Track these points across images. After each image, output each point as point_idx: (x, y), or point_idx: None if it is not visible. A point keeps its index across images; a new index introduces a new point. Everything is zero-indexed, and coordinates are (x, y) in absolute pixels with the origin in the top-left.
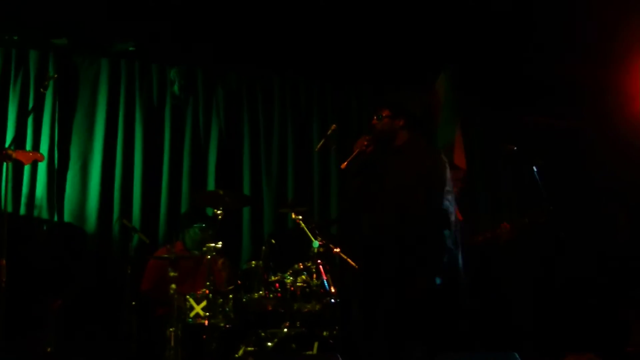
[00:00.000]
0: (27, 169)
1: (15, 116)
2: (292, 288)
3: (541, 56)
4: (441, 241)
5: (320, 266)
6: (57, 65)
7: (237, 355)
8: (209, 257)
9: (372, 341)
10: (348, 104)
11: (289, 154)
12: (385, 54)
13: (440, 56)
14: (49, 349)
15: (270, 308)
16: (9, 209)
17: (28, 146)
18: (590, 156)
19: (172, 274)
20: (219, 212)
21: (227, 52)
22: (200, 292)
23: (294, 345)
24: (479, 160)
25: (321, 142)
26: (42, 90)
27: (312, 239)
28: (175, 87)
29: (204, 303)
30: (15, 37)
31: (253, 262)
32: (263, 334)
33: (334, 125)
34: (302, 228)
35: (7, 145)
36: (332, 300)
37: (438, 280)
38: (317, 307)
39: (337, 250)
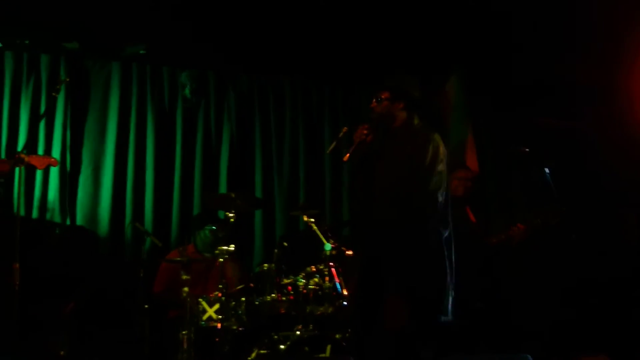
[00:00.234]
0: (39, 172)
1: (28, 120)
2: (304, 291)
3: (550, 58)
4: (423, 222)
5: (333, 269)
6: (69, 69)
7: (249, 358)
8: (221, 260)
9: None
10: (359, 106)
11: (300, 156)
12: (396, 56)
13: (450, 58)
14: (62, 352)
15: (282, 311)
16: (22, 212)
17: (40, 150)
18: (599, 157)
19: (184, 276)
20: (230, 214)
21: (238, 55)
22: (213, 295)
23: (306, 348)
24: (490, 161)
25: (333, 145)
26: (54, 94)
27: (324, 241)
28: (187, 90)
29: (216, 306)
30: (27, 41)
31: (265, 264)
32: (276, 337)
33: (346, 127)
34: (314, 230)
35: (19, 149)
36: (345, 303)
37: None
38: (330, 309)
39: (350, 252)
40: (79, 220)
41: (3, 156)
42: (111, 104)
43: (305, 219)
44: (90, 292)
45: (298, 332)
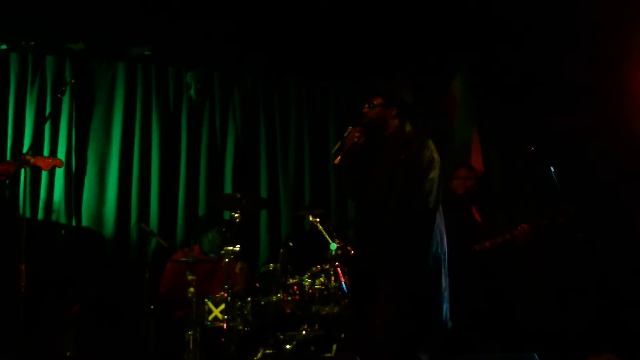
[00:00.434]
0: (45, 174)
1: (33, 121)
2: (310, 290)
3: (555, 57)
4: (416, 227)
5: (338, 268)
6: (74, 70)
7: (255, 358)
8: (227, 260)
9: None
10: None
11: (305, 156)
12: (401, 55)
13: (455, 57)
14: (68, 353)
15: (288, 311)
16: (27, 213)
17: (46, 151)
18: (605, 155)
19: (190, 277)
20: (236, 215)
21: (242, 55)
22: (219, 295)
23: (312, 348)
24: (496, 160)
25: (338, 144)
26: (59, 95)
27: (330, 241)
28: (192, 91)
29: (222, 306)
30: (32, 43)
31: (271, 264)
32: (281, 337)
33: (351, 127)
34: (320, 230)
35: (25, 150)
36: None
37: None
38: (335, 309)
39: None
40: (85, 221)
41: (9, 157)
42: (116, 105)
43: (311, 218)
44: (96, 292)
45: (304, 332)
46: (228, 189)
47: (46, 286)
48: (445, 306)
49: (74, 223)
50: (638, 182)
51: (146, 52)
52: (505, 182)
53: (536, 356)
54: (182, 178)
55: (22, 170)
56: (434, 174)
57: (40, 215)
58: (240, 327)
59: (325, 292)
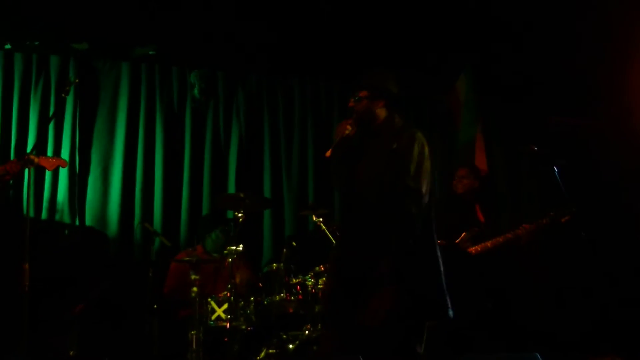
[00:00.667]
0: (48, 173)
1: (37, 121)
2: (313, 290)
3: (559, 56)
4: (408, 221)
5: None
6: (78, 69)
7: (258, 358)
8: (230, 260)
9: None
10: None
11: (309, 156)
12: (405, 54)
13: (459, 56)
14: (71, 352)
15: (291, 310)
16: (31, 213)
17: (49, 151)
18: (609, 155)
19: (193, 277)
20: (239, 214)
21: (246, 55)
22: (222, 294)
23: (315, 347)
24: (499, 160)
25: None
26: (63, 95)
27: (333, 240)
28: (196, 90)
29: (225, 306)
30: (36, 42)
31: (274, 264)
32: (284, 336)
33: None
34: (323, 230)
35: (28, 150)
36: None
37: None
38: None
39: None
40: (88, 221)
41: (12, 157)
42: (120, 105)
43: (314, 218)
44: (100, 292)
45: (307, 332)
46: (232, 188)
47: (50, 286)
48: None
49: (77, 223)
50: None
51: (150, 52)
52: (509, 182)
53: (539, 356)
54: (185, 178)
55: (26, 170)
56: (427, 164)
57: (44, 214)
58: (244, 327)
59: None
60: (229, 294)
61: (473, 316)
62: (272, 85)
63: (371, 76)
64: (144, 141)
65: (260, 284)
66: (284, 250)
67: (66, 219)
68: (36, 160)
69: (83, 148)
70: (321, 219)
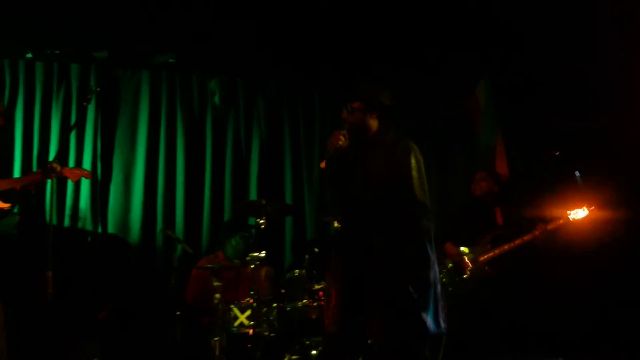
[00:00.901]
0: (71, 182)
1: (59, 129)
2: None
3: (576, 61)
4: (421, 234)
5: None
6: (99, 78)
7: None
8: (252, 266)
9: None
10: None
11: None
12: (424, 61)
13: (477, 64)
14: (95, 359)
15: (313, 316)
16: (54, 221)
17: (71, 158)
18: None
19: (215, 283)
20: (261, 221)
21: (266, 62)
22: (245, 301)
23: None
24: (520, 165)
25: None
26: (85, 104)
27: None
28: (216, 98)
29: (248, 312)
30: (57, 51)
31: (296, 270)
32: (307, 342)
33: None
34: None
35: (51, 158)
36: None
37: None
38: None
39: None
40: (111, 228)
41: (35, 164)
42: (141, 113)
43: (336, 224)
44: (122, 299)
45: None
46: (253, 195)
47: (73, 293)
48: (430, 311)
49: (100, 230)
50: None
51: (170, 60)
52: (530, 187)
53: None
54: (207, 185)
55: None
56: (424, 173)
57: (67, 222)
58: (266, 333)
59: None
60: (251, 301)
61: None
62: (292, 92)
63: (364, 87)
64: (165, 149)
65: (283, 290)
66: (306, 256)
67: (89, 226)
68: (58, 168)
69: (105, 156)
70: None
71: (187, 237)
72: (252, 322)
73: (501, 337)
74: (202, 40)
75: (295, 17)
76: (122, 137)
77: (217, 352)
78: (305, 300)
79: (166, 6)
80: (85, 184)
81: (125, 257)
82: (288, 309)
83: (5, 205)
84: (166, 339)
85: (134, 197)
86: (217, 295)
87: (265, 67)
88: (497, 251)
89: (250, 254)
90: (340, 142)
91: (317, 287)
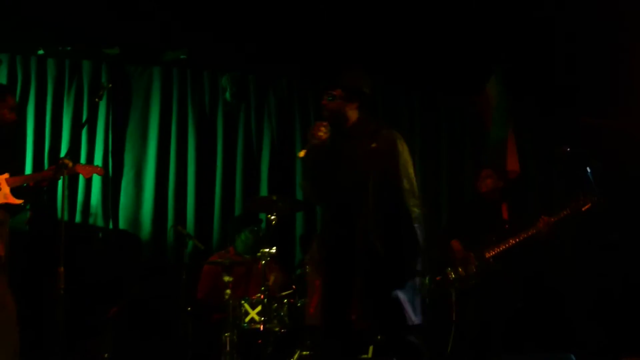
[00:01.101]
0: (82, 177)
1: (70, 126)
2: None
3: (592, 55)
4: (411, 222)
5: None
6: (110, 74)
7: None
8: (263, 262)
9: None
10: (398, 107)
11: None
12: (436, 57)
13: (489, 59)
14: (106, 355)
15: None
16: (65, 217)
17: (83, 155)
18: None
19: (226, 279)
20: (272, 217)
21: (278, 58)
22: (255, 297)
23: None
24: (532, 161)
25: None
26: (96, 100)
27: None
28: (227, 94)
29: (259, 308)
30: (68, 48)
31: (307, 266)
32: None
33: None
34: None
35: (62, 155)
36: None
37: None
38: None
39: None
40: (122, 224)
41: (46, 160)
42: (152, 109)
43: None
44: (134, 295)
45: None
46: (264, 191)
47: (84, 289)
48: (414, 301)
49: (111, 226)
50: None
51: (181, 56)
52: (541, 183)
53: (573, 357)
54: (218, 181)
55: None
56: (411, 161)
57: (78, 218)
58: (277, 329)
59: None
60: (262, 296)
61: (504, 316)
62: (303, 87)
63: (346, 76)
64: (176, 145)
65: (294, 286)
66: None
67: (100, 222)
68: (70, 165)
69: (116, 152)
70: None
71: (198, 233)
72: (263, 318)
73: (510, 332)
74: (214, 37)
75: (306, 13)
76: (133, 133)
77: (228, 348)
78: None
79: (176, 2)
80: (96, 180)
81: (136, 253)
82: (299, 304)
83: (19, 201)
84: (177, 335)
85: (145, 193)
86: (228, 291)
87: (277, 63)
88: (502, 246)
89: (261, 250)
90: (321, 134)
91: None
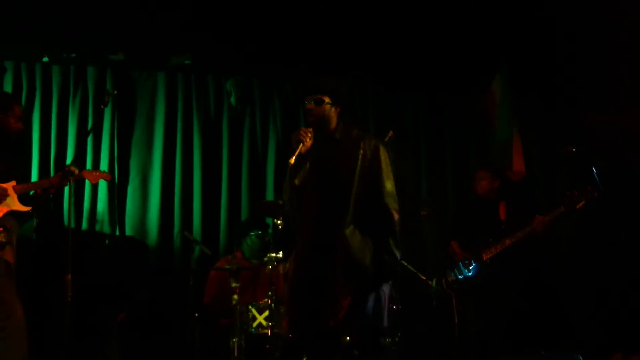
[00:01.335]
0: (88, 184)
1: (76, 132)
2: None
3: (595, 54)
4: (394, 228)
5: None
6: (115, 80)
7: None
8: (270, 267)
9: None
10: (403, 109)
11: None
12: (441, 57)
13: (493, 61)
14: None
15: None
16: (72, 224)
17: (89, 161)
18: None
19: (233, 284)
20: (279, 222)
21: (281, 61)
22: (263, 302)
23: (356, 352)
24: (537, 161)
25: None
26: (102, 106)
27: None
28: (232, 98)
29: (266, 313)
30: (73, 55)
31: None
32: None
33: (391, 131)
34: None
35: (68, 162)
36: (394, 307)
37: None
38: None
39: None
40: (128, 231)
41: (52, 167)
42: (157, 114)
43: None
44: (141, 301)
45: (348, 337)
46: (270, 195)
47: (91, 295)
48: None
49: (117, 233)
50: None
51: (186, 62)
52: (546, 183)
53: (581, 357)
54: (224, 186)
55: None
56: (391, 170)
57: (85, 225)
58: (285, 334)
59: None
60: (269, 301)
61: (504, 318)
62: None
63: (332, 81)
64: (181, 150)
65: None
66: None
67: (106, 229)
68: (77, 171)
69: (122, 158)
70: None
71: (205, 239)
72: (270, 323)
73: (514, 332)
74: (218, 41)
75: (310, 17)
76: (139, 139)
77: (235, 353)
78: None
79: (180, 7)
80: (102, 187)
81: (143, 259)
82: None
83: (26, 208)
84: (185, 341)
85: (151, 199)
86: (235, 296)
87: (281, 66)
88: (499, 247)
89: (268, 255)
90: (308, 139)
91: None
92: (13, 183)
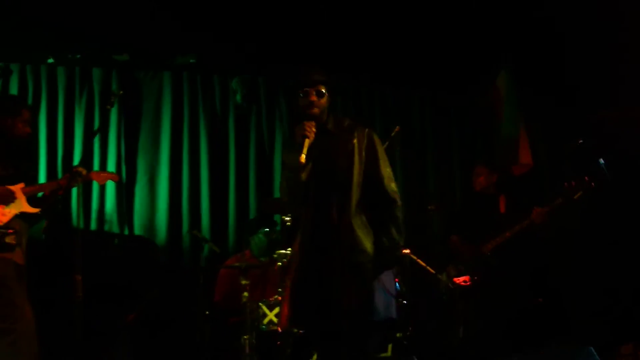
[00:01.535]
0: (96, 185)
1: (82, 133)
2: None
3: (601, 48)
4: (396, 217)
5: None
6: (120, 81)
7: None
8: (279, 264)
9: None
10: (409, 106)
11: None
12: (445, 53)
13: (500, 52)
14: None
15: None
16: (80, 224)
17: (96, 162)
18: None
19: (243, 282)
20: (287, 218)
21: (286, 61)
22: (273, 298)
23: (366, 346)
24: (544, 154)
25: (385, 144)
26: (108, 107)
27: None
28: (238, 97)
29: (276, 310)
30: (78, 56)
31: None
32: None
33: (398, 127)
34: None
35: (75, 163)
36: (404, 302)
37: None
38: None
39: (407, 251)
40: (137, 230)
41: (60, 168)
42: (164, 114)
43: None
44: (151, 300)
45: (356, 331)
46: (278, 193)
47: (101, 295)
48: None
49: (126, 232)
50: None
51: (191, 61)
52: (553, 176)
53: (593, 350)
54: (231, 184)
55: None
56: (387, 160)
57: (93, 225)
58: (295, 330)
59: None
60: (279, 298)
61: (508, 313)
62: None
63: (324, 72)
64: (188, 149)
65: None
66: None
67: (115, 228)
68: (84, 172)
69: (129, 158)
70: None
71: (214, 237)
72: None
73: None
74: (222, 40)
75: (314, 16)
76: (146, 139)
77: (247, 350)
78: None
79: (184, 7)
80: (110, 187)
81: (152, 258)
82: None
83: (35, 210)
84: (196, 339)
85: (160, 198)
86: (245, 294)
87: (286, 64)
88: (498, 239)
89: (277, 252)
90: (312, 133)
91: None
92: (22, 185)
